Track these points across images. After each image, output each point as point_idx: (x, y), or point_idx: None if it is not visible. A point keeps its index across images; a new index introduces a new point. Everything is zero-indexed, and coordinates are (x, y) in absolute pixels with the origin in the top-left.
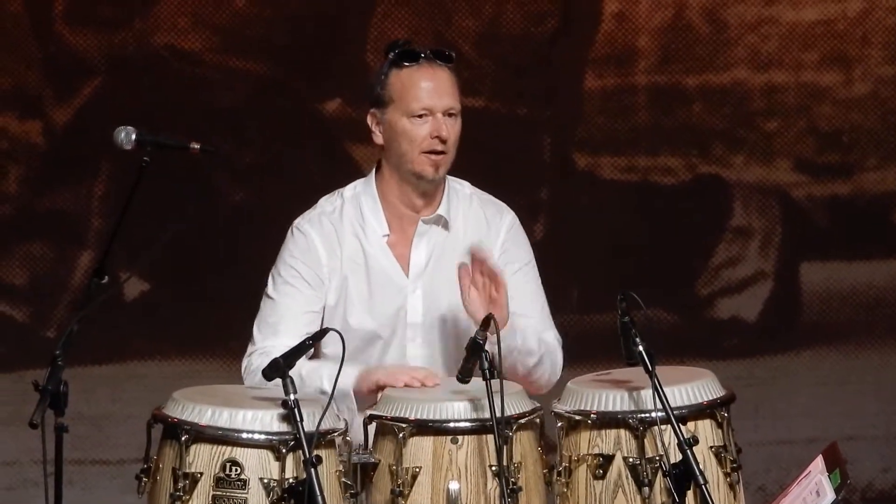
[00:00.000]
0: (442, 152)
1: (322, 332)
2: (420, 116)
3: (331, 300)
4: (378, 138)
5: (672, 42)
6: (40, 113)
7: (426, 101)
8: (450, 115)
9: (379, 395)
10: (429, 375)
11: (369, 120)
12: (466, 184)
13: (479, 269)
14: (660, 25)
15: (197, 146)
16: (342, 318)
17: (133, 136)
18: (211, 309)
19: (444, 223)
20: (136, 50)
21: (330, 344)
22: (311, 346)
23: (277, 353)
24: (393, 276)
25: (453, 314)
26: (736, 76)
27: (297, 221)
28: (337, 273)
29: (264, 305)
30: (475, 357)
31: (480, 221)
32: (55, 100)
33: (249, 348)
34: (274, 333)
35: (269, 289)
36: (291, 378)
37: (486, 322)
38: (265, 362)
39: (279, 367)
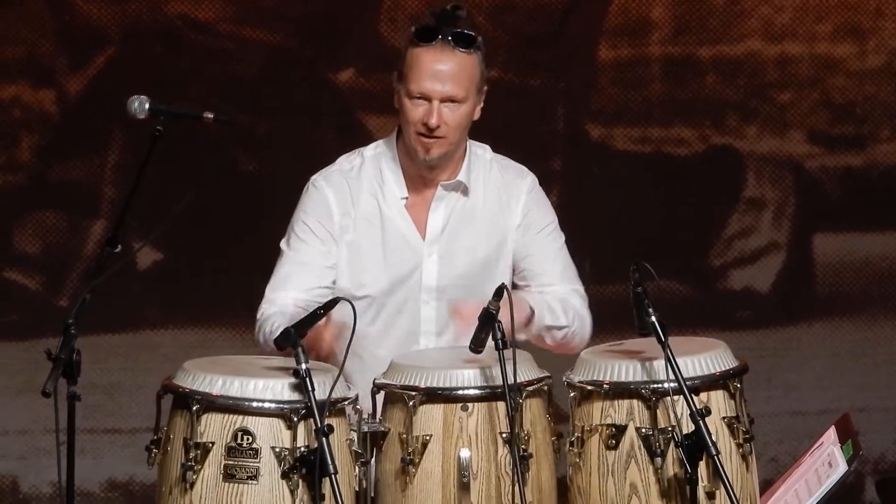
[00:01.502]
0: (433, 137)
1: (333, 302)
2: (418, 98)
3: (342, 259)
4: (396, 102)
5: (686, 13)
6: (54, 82)
7: (425, 85)
8: (451, 101)
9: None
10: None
11: (394, 81)
12: (488, 148)
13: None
14: None
15: (210, 116)
16: (354, 277)
17: (146, 106)
18: (224, 278)
19: (463, 189)
20: (150, 19)
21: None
22: (322, 315)
23: (281, 303)
24: (409, 238)
25: (468, 279)
26: (749, 47)
27: (313, 177)
28: (349, 231)
29: (278, 259)
30: (488, 327)
31: (500, 186)
32: (69, 69)
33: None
34: (283, 287)
35: (284, 243)
36: (303, 347)
37: (500, 292)
38: (269, 310)
39: (290, 336)
